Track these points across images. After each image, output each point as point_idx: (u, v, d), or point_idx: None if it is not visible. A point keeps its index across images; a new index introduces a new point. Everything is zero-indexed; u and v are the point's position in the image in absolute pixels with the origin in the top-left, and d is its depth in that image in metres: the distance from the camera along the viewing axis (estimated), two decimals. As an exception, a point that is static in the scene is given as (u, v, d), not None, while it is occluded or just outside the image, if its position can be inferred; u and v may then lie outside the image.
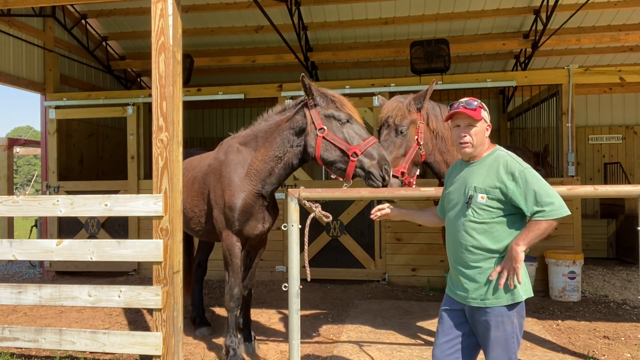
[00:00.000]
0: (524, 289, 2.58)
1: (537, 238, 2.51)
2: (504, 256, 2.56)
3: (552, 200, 2.47)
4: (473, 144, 2.66)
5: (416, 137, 4.05)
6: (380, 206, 3.24)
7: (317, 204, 3.69)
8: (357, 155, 3.67)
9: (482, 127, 2.68)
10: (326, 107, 3.86)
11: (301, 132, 3.93)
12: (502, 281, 2.53)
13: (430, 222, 3.15)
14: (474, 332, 2.70)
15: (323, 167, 3.97)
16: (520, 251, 2.50)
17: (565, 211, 2.48)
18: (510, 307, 2.56)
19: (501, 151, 2.68)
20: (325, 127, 3.79)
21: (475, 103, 2.67)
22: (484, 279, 2.59)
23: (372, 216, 3.25)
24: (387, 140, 4.02)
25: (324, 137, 3.78)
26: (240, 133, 4.46)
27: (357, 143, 3.73)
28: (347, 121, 3.81)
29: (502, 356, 2.56)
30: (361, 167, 3.70)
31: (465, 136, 2.67)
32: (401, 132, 4.00)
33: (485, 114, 2.70)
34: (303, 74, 3.90)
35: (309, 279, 3.63)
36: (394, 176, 3.87)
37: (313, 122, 3.84)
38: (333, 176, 3.92)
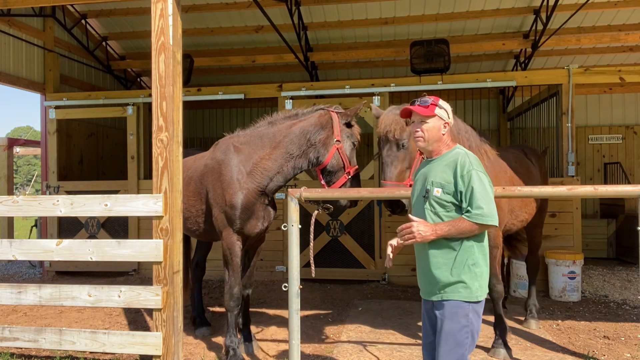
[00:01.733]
0: (482, 290, 2.65)
1: (453, 233, 2.59)
2: (460, 251, 2.63)
3: (482, 206, 2.56)
4: (424, 138, 2.77)
5: (418, 150, 4.04)
6: (389, 251, 2.92)
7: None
8: (349, 175, 4.14)
9: (436, 124, 2.77)
10: (347, 128, 4.22)
11: (318, 135, 4.16)
12: (401, 229, 2.66)
13: None
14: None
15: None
16: (427, 231, 2.59)
17: (491, 221, 2.57)
18: (466, 302, 2.61)
19: (460, 149, 2.78)
20: (341, 142, 4.14)
21: (429, 100, 2.79)
22: (441, 272, 2.65)
23: (388, 264, 2.95)
24: (389, 155, 4.04)
25: (337, 149, 4.12)
26: (238, 133, 4.52)
27: (352, 164, 4.21)
28: (354, 146, 4.24)
29: (453, 351, 2.57)
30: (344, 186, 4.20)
31: (417, 131, 2.80)
32: (403, 146, 4.01)
33: (440, 112, 2.77)
34: (365, 101, 4.36)
35: (313, 275, 3.74)
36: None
37: (333, 132, 4.14)
38: (322, 182, 4.24)
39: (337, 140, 4.11)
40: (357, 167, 4.23)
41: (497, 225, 2.63)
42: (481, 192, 2.59)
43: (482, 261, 2.67)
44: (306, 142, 4.16)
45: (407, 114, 2.89)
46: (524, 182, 5.06)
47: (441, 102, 2.82)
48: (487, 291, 2.71)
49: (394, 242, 2.88)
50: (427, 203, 2.71)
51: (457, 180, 2.64)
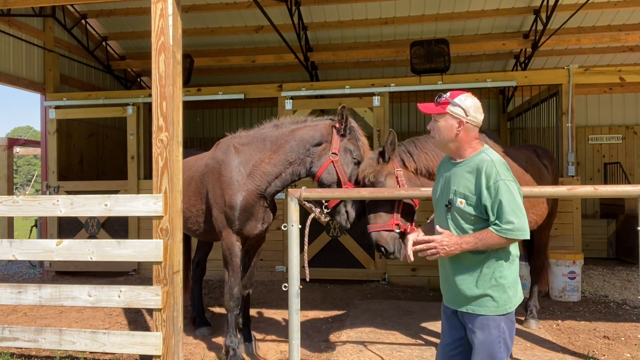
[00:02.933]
0: (511, 301, 2.49)
1: (480, 247, 2.42)
2: (486, 263, 2.48)
3: (513, 220, 2.37)
4: (435, 137, 2.65)
5: (398, 186, 3.93)
6: (410, 245, 2.64)
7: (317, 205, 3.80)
8: None
9: (448, 123, 2.56)
10: (349, 141, 4.08)
11: (316, 146, 4.10)
12: (422, 244, 2.49)
13: None
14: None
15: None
16: (452, 246, 2.43)
17: (522, 235, 2.39)
18: (497, 315, 2.49)
19: (485, 155, 2.54)
20: (338, 155, 4.00)
21: (444, 97, 2.59)
22: (465, 285, 2.51)
23: (409, 259, 2.69)
24: (370, 200, 3.94)
25: (332, 162, 4.00)
26: (240, 134, 4.50)
27: (352, 182, 4.02)
28: (357, 163, 4.07)
29: None
30: (344, 203, 4.03)
31: (431, 130, 2.67)
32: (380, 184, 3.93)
33: (454, 109, 2.55)
34: (344, 105, 4.08)
35: (307, 279, 3.71)
36: (389, 230, 3.83)
37: (331, 144, 4.05)
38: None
39: (333, 153, 4.00)
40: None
41: (528, 238, 2.45)
42: (511, 205, 2.38)
43: (509, 271, 2.50)
44: (305, 151, 4.11)
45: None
46: (535, 184, 4.96)
47: (459, 98, 2.57)
48: (520, 297, 2.54)
49: (415, 237, 2.61)
50: (449, 214, 2.55)
51: (481, 191, 2.44)
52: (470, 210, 2.48)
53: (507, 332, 2.50)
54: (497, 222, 2.40)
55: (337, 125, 4.07)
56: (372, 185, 3.95)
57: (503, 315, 2.48)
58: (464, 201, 2.50)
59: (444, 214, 2.60)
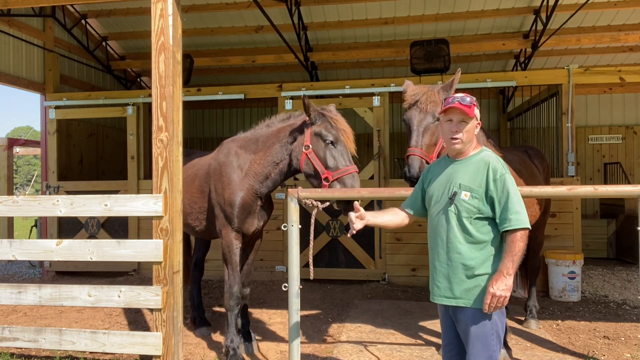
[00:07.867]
0: None
1: (517, 259, 2.50)
2: (480, 258, 2.57)
3: (519, 210, 2.52)
4: (463, 140, 2.67)
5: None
6: (354, 223, 2.85)
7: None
8: (329, 181, 3.82)
9: (473, 125, 2.69)
10: (318, 125, 3.98)
11: (294, 140, 4.09)
12: (486, 305, 2.50)
13: (393, 221, 2.98)
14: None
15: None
16: (503, 283, 2.47)
17: (526, 224, 2.52)
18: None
19: (489, 152, 2.73)
20: (311, 145, 3.94)
21: (469, 99, 2.68)
22: (457, 277, 2.60)
23: (351, 233, 2.91)
24: (421, 125, 3.81)
25: (307, 155, 3.93)
26: (240, 136, 4.62)
27: (333, 167, 3.85)
28: (331, 143, 3.91)
29: (482, 353, 2.56)
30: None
31: (456, 132, 2.67)
32: (437, 120, 3.74)
33: (477, 112, 2.70)
34: (305, 94, 4.04)
35: (311, 277, 3.70)
36: (427, 162, 3.72)
37: (304, 136, 4.01)
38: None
39: (306, 146, 3.95)
40: (351, 167, 3.86)
41: (529, 227, 2.56)
42: (517, 197, 2.54)
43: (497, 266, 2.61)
44: (287, 150, 4.13)
45: (443, 112, 2.73)
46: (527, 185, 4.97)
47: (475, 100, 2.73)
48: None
49: (359, 224, 2.80)
50: (452, 206, 2.63)
51: (488, 184, 2.57)
52: (474, 202, 2.59)
53: (499, 325, 2.60)
54: (504, 216, 2.51)
55: (307, 118, 4.03)
56: (432, 113, 3.72)
57: None
58: (468, 194, 2.60)
59: (445, 207, 2.67)
